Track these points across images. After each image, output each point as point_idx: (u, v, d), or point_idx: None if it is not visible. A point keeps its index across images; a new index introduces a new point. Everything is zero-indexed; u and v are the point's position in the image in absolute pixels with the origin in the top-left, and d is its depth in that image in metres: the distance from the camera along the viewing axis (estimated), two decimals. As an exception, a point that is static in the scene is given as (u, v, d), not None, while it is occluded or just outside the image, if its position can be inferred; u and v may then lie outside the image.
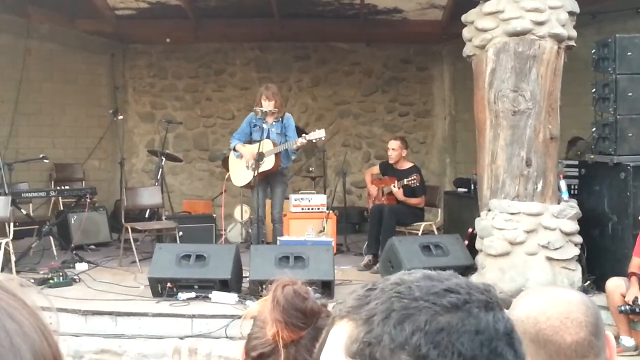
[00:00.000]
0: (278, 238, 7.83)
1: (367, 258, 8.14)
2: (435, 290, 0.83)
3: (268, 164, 7.75)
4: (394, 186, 8.23)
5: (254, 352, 1.54)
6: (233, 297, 6.31)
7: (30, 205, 8.98)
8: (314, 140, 7.90)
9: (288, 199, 8.82)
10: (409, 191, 8.30)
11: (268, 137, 7.86)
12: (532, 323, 1.49)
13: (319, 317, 1.53)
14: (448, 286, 0.84)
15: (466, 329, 0.80)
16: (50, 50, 10.74)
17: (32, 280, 7.02)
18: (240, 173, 8.03)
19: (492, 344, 0.81)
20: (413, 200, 8.37)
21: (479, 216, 6.95)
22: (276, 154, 7.77)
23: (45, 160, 9.46)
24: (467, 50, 7.07)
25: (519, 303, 1.57)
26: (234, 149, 8.06)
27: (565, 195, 6.89)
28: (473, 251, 7.10)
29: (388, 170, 8.69)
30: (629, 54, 6.71)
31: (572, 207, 6.65)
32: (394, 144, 8.57)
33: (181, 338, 5.90)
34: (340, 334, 0.85)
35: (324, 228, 8.63)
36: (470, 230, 7.52)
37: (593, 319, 1.50)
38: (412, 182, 8.15)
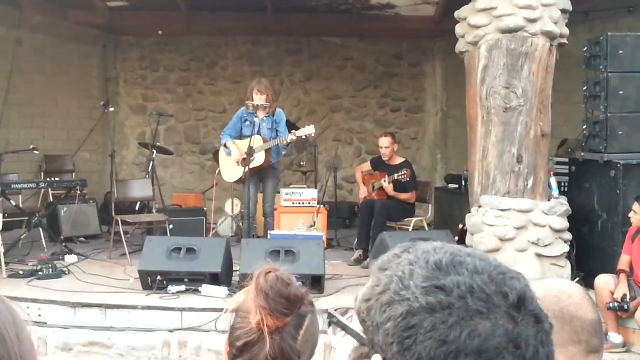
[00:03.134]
0: (269, 232, 7.82)
1: (357, 253, 8.15)
2: (427, 284, 0.80)
3: (258, 160, 7.74)
4: (384, 181, 8.23)
5: (238, 342, 1.53)
6: (223, 290, 6.31)
7: (20, 196, 8.94)
8: (303, 137, 7.90)
9: (279, 193, 8.82)
10: (399, 186, 8.30)
11: (259, 132, 7.84)
12: (555, 300, 1.51)
13: (302, 304, 1.53)
14: (444, 283, 0.80)
15: (433, 335, 0.77)
16: (42, 41, 10.68)
17: (21, 272, 7.01)
18: (231, 168, 8.01)
19: (457, 358, 0.77)
20: (403, 195, 8.38)
21: (469, 212, 6.97)
22: (266, 150, 7.76)
23: (35, 152, 9.43)
24: (460, 46, 7.08)
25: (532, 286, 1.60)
26: (225, 146, 8.04)
27: (555, 192, 6.92)
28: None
29: (379, 165, 8.69)
30: (620, 52, 6.74)
31: (562, 204, 6.67)
32: (385, 141, 8.55)
33: (170, 331, 5.89)
34: (367, 284, 0.89)
35: (314, 222, 8.63)
36: (460, 226, 7.54)
37: (595, 304, 1.55)
38: (402, 176, 8.15)
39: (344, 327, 0.90)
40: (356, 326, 0.88)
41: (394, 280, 0.83)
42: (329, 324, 0.93)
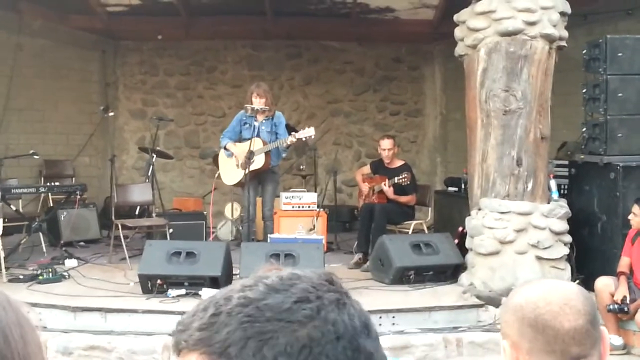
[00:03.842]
0: (268, 236, 7.82)
1: (357, 256, 8.14)
2: (286, 307, 0.80)
3: (258, 162, 7.74)
4: (385, 184, 8.23)
5: None
6: (223, 294, 6.29)
7: (20, 201, 8.93)
8: (303, 139, 7.90)
9: (279, 196, 8.82)
10: (399, 189, 8.30)
11: (258, 135, 7.85)
12: (532, 308, 1.50)
13: None
14: (298, 297, 0.81)
15: (327, 338, 0.79)
16: (42, 46, 10.69)
17: (22, 277, 7.00)
18: (231, 172, 8.01)
19: (354, 343, 0.80)
20: (404, 199, 8.38)
21: (469, 215, 6.97)
22: (266, 153, 7.76)
23: (35, 157, 9.43)
24: (459, 49, 7.09)
25: (519, 290, 1.59)
26: (225, 148, 8.04)
27: (555, 195, 6.92)
28: (463, 250, 7.12)
29: (379, 168, 8.69)
30: (619, 54, 6.75)
31: (561, 207, 6.68)
32: (387, 144, 8.55)
33: (171, 335, 5.88)
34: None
35: (314, 226, 8.63)
36: (460, 229, 7.54)
37: (591, 309, 1.52)
38: (403, 180, 8.15)
39: None
40: None
41: (247, 327, 0.79)
42: None
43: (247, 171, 7.61)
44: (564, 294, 1.52)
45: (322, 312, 0.80)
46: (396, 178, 8.18)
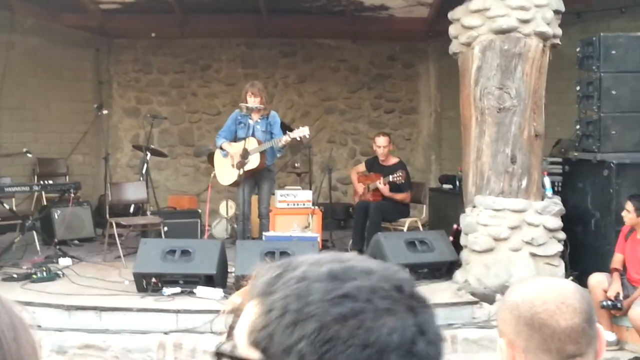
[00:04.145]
0: (264, 234, 7.82)
1: (352, 254, 8.13)
2: (330, 297, 0.80)
3: (253, 162, 7.73)
4: (380, 183, 8.24)
5: None
6: (218, 292, 6.31)
7: (13, 199, 8.89)
8: (298, 138, 7.89)
9: (274, 194, 8.82)
10: (394, 187, 8.32)
11: (253, 134, 7.85)
12: (528, 307, 1.51)
13: None
14: (347, 291, 0.81)
15: (354, 342, 0.78)
16: (35, 45, 10.65)
17: (16, 275, 6.99)
18: (226, 172, 8.01)
19: (382, 357, 0.78)
20: (399, 196, 8.39)
21: (463, 212, 6.99)
22: (261, 152, 7.76)
23: (29, 155, 9.41)
24: (453, 47, 7.10)
25: (515, 288, 1.60)
26: (221, 148, 8.04)
27: (549, 192, 6.94)
28: (458, 247, 7.14)
29: (374, 166, 8.70)
30: (613, 52, 6.77)
31: (555, 204, 6.70)
32: (383, 141, 8.57)
33: (166, 333, 5.89)
34: (249, 314, 0.86)
35: (309, 224, 8.62)
36: (455, 226, 7.55)
37: (587, 307, 1.52)
38: (398, 179, 8.17)
39: None
40: (255, 357, 0.84)
41: (291, 301, 0.81)
42: None
43: (241, 171, 7.60)
44: (560, 292, 1.53)
45: (361, 315, 0.79)
46: (391, 177, 8.19)
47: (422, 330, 0.82)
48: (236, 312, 1.58)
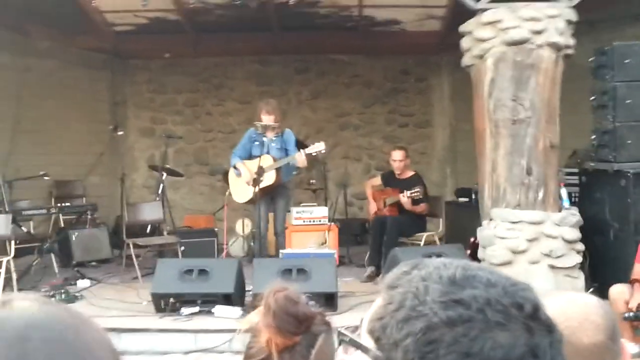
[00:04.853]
0: (280, 251, 7.82)
1: (369, 269, 8.12)
2: (445, 299, 0.80)
3: (269, 179, 7.74)
4: (403, 196, 8.19)
5: None
6: (236, 311, 6.30)
7: (31, 222, 8.95)
8: (314, 154, 7.89)
9: (290, 212, 8.82)
10: (413, 200, 8.30)
11: (268, 152, 7.87)
12: None
13: (312, 323, 1.52)
14: (461, 297, 0.80)
15: (456, 348, 0.77)
16: (50, 67, 10.75)
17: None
18: (241, 189, 8.02)
19: None
20: (419, 208, 8.37)
21: (480, 225, 6.95)
22: (277, 169, 7.77)
23: (46, 178, 9.45)
24: (466, 60, 7.09)
25: None
26: (234, 167, 8.05)
27: (566, 203, 6.89)
28: (476, 261, 7.09)
29: (390, 180, 8.68)
30: (627, 61, 6.73)
31: (573, 215, 6.65)
32: (398, 155, 8.55)
33: (185, 353, 5.88)
34: (375, 303, 0.88)
35: (325, 240, 8.62)
36: (472, 239, 7.51)
37: (610, 323, 1.49)
38: (416, 194, 8.15)
39: (359, 346, 0.88)
40: (369, 344, 0.87)
41: (409, 297, 0.82)
42: (340, 343, 0.92)
43: (256, 189, 7.61)
44: (583, 308, 1.50)
45: (469, 323, 0.79)
46: (409, 192, 8.15)
47: (534, 353, 0.79)
48: (252, 331, 1.59)
